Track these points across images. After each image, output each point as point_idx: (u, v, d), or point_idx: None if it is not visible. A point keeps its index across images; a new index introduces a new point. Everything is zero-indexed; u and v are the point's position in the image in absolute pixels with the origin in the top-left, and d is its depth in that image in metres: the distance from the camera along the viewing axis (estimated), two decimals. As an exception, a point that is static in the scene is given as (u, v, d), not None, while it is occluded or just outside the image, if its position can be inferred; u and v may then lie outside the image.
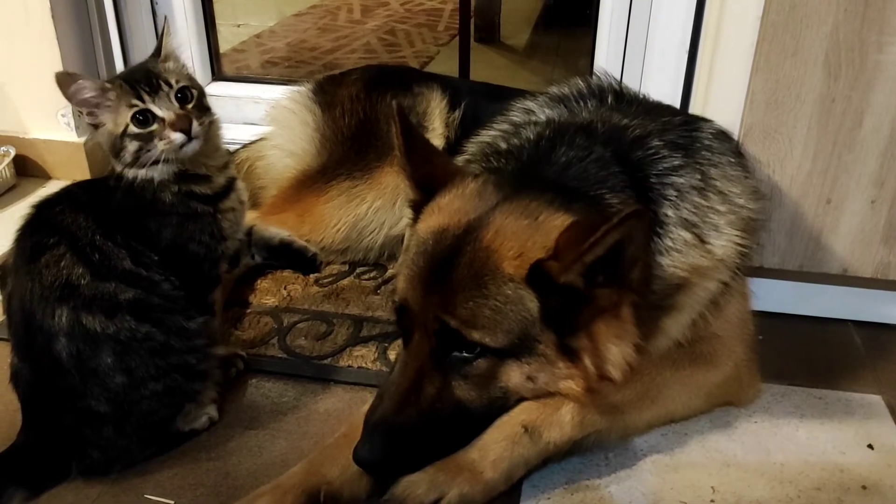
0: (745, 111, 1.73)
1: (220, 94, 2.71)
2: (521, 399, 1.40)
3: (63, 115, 2.50)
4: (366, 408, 1.39)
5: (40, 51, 2.41)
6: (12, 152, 2.51)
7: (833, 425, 1.61)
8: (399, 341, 1.47)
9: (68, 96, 1.41)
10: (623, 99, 1.71)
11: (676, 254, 1.42)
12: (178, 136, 1.41)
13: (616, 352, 1.32)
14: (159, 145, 1.41)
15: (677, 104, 1.98)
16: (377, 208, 2.07)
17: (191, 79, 1.49)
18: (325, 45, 4.30)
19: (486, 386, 1.35)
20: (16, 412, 1.46)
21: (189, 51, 2.70)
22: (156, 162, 1.43)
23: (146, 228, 1.47)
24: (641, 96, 1.75)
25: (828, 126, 1.70)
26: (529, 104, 1.76)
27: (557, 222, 1.28)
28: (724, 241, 1.46)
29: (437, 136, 2.07)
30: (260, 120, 2.42)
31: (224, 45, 3.50)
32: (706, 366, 1.57)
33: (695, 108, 1.88)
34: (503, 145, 1.59)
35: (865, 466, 1.50)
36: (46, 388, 1.40)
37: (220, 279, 1.62)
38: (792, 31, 1.64)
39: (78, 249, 1.39)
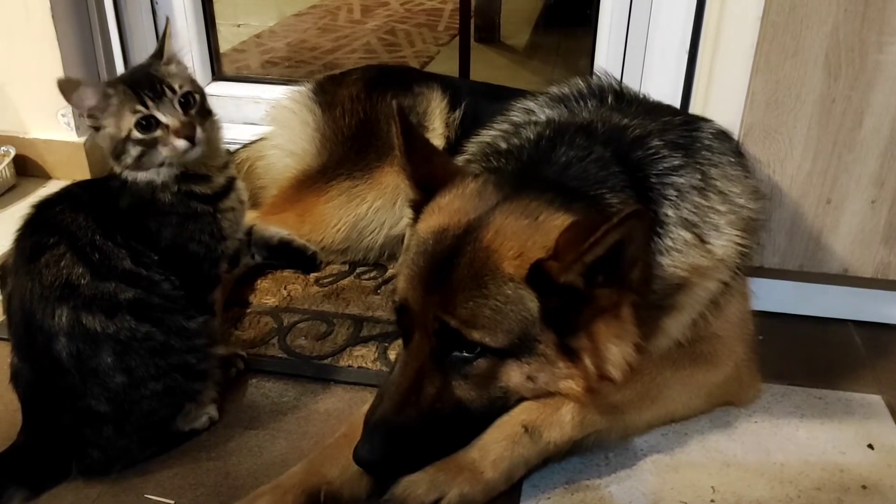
0: (746, 111, 1.73)
1: (220, 94, 2.71)
2: (522, 399, 1.40)
3: (63, 115, 2.50)
4: (366, 408, 1.39)
5: (40, 50, 2.41)
6: (12, 152, 2.51)
7: (833, 425, 1.61)
8: (399, 341, 1.47)
9: (72, 103, 1.41)
10: (623, 99, 1.71)
11: (677, 253, 1.42)
12: (182, 144, 1.41)
13: (616, 352, 1.32)
14: (163, 151, 1.41)
15: (677, 104, 1.98)
16: (377, 208, 2.07)
17: (193, 82, 1.49)
18: (325, 45, 4.30)
19: (487, 386, 1.35)
20: (16, 412, 1.46)
21: (189, 51, 2.69)
22: (158, 165, 1.43)
23: (146, 228, 1.47)
24: (641, 96, 1.75)
25: (828, 126, 1.70)
26: (529, 104, 1.76)
27: (557, 222, 1.28)
28: (724, 241, 1.46)
29: (437, 136, 2.07)
30: (260, 120, 2.42)
31: (224, 45, 3.50)
32: (706, 366, 1.57)
33: (695, 108, 1.88)
34: (503, 145, 1.59)
35: (865, 466, 1.50)
36: (46, 388, 1.40)
37: (220, 279, 1.62)
38: (792, 31, 1.64)
39: (78, 249, 1.39)
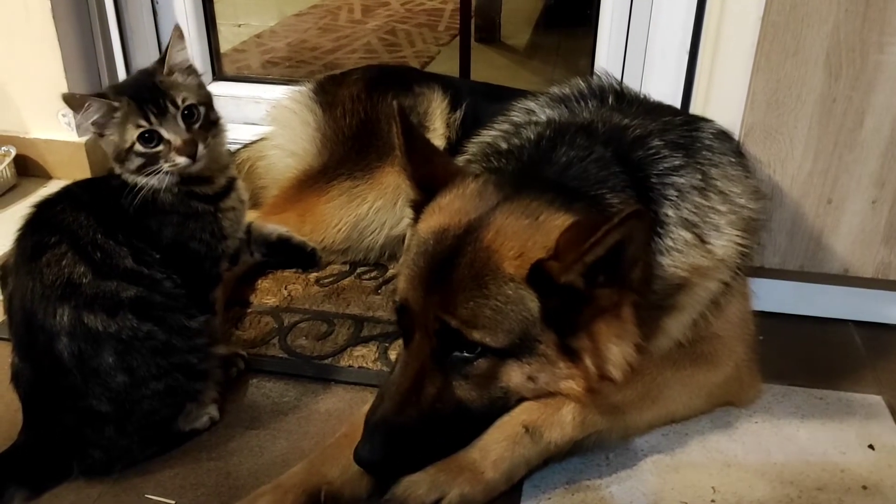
0: (746, 111, 1.73)
1: (220, 94, 2.70)
2: (522, 399, 1.40)
3: (63, 115, 2.50)
4: (366, 408, 1.39)
5: (41, 51, 2.41)
6: (13, 152, 2.51)
7: (834, 426, 1.61)
8: (400, 341, 1.47)
9: (78, 115, 1.42)
10: (624, 99, 1.71)
11: (677, 254, 1.42)
12: (183, 160, 1.43)
13: (617, 352, 1.32)
14: (164, 166, 1.43)
15: (678, 104, 1.98)
16: (378, 208, 2.07)
17: (199, 92, 1.49)
18: (325, 45, 4.30)
19: (487, 386, 1.35)
20: (17, 412, 1.46)
21: (190, 51, 2.69)
22: (159, 174, 1.44)
23: (147, 227, 1.47)
24: (642, 96, 1.75)
25: (829, 126, 1.70)
26: (530, 104, 1.76)
27: (558, 222, 1.28)
28: (724, 241, 1.46)
29: (438, 136, 2.07)
30: (260, 120, 2.42)
31: (225, 45, 3.50)
32: (707, 366, 1.57)
33: (695, 109, 1.88)
34: (504, 145, 1.59)
35: (866, 467, 1.50)
36: (48, 388, 1.40)
37: (220, 277, 1.62)
38: (793, 31, 1.64)
39: (79, 248, 1.39)
